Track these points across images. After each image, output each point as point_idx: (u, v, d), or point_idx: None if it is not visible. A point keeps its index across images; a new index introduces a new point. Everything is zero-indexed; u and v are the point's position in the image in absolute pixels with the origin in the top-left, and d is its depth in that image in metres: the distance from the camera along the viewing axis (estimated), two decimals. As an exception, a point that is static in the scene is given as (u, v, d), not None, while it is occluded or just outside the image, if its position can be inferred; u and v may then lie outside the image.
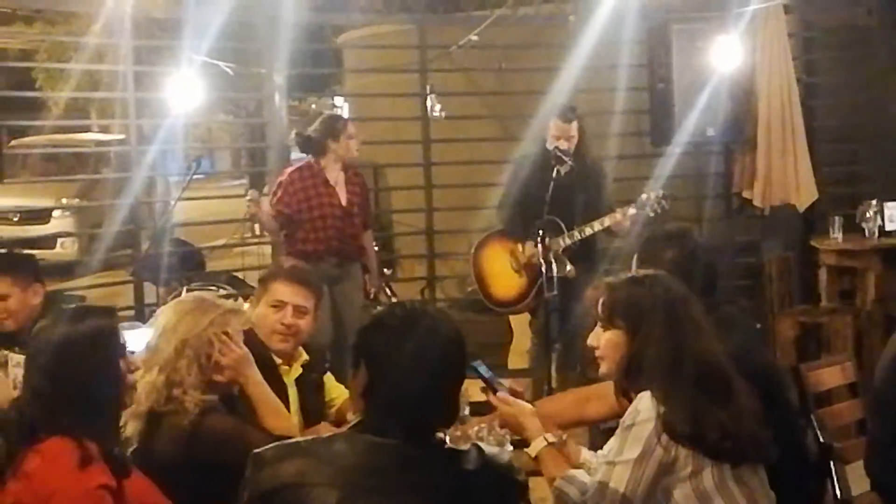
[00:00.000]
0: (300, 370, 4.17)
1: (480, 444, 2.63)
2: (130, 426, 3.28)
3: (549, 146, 6.37)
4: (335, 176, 6.66)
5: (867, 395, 4.33)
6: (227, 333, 3.47)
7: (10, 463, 2.89)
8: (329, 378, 4.38)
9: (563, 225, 6.30)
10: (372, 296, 7.03)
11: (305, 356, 4.19)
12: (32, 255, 5.40)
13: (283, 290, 4.13)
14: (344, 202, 6.63)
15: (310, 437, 2.66)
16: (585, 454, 3.31)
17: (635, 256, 3.79)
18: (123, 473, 2.91)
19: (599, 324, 3.18)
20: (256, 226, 6.69)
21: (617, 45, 7.98)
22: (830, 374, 4.51)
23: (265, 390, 3.60)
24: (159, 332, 3.42)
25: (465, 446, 2.59)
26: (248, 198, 6.65)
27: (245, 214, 6.60)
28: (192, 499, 3.04)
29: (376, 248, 9.31)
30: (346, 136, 6.66)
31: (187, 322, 3.42)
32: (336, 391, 4.34)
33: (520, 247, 6.59)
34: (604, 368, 3.19)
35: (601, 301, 3.18)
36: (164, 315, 3.49)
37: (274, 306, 4.10)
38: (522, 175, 6.56)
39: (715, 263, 3.91)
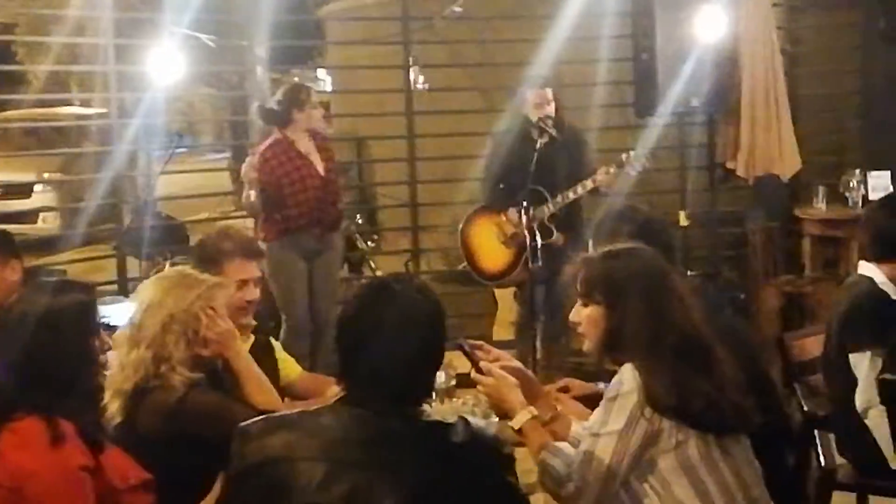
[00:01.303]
0: (252, 337, 4.12)
1: (467, 416, 2.63)
2: (113, 403, 3.25)
3: (533, 117, 6.35)
4: (306, 146, 6.59)
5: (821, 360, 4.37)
6: (212, 308, 3.45)
7: None
8: (276, 343, 4.36)
9: (546, 193, 6.30)
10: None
11: (252, 321, 4.14)
12: (8, 232, 5.36)
13: (245, 268, 4.05)
14: (322, 171, 6.59)
15: (296, 411, 2.65)
16: (575, 427, 3.30)
17: (590, 241, 3.78)
18: (99, 448, 2.90)
19: (579, 300, 3.17)
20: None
21: (600, 15, 7.96)
22: (814, 344, 4.52)
23: (251, 364, 3.58)
24: (144, 308, 3.38)
25: (451, 419, 2.58)
26: (245, 163, 6.55)
27: (244, 178, 6.50)
28: (176, 474, 3.02)
29: (359, 220, 9.35)
30: (311, 106, 6.60)
31: (174, 297, 3.38)
32: (281, 355, 4.30)
33: (504, 218, 6.58)
34: (587, 345, 3.18)
35: (579, 277, 3.17)
36: (148, 290, 3.44)
37: (237, 285, 3.99)
38: (503, 148, 6.55)
39: (670, 235, 3.92)
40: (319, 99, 6.81)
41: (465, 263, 6.93)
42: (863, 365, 4.07)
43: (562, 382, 3.95)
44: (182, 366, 3.32)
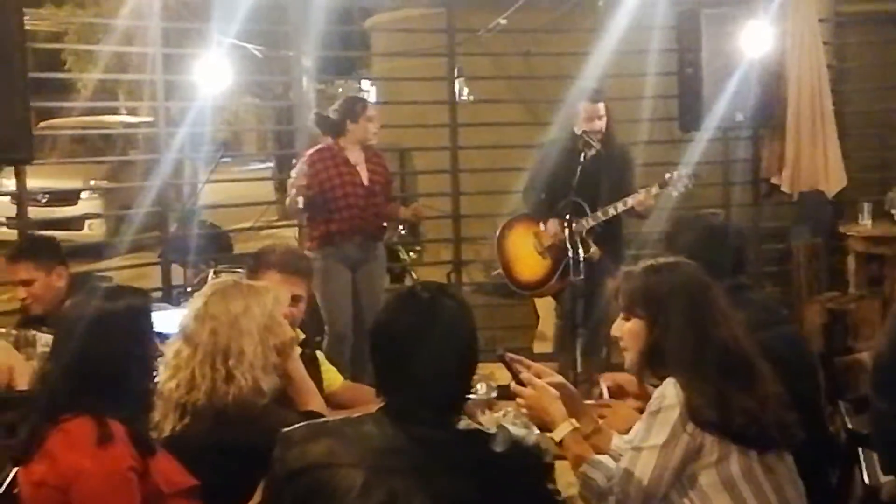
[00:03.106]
0: (299, 349, 4.12)
1: (506, 426, 2.63)
2: (171, 415, 3.22)
3: (578, 130, 6.35)
4: (355, 156, 6.65)
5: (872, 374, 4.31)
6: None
7: (33, 441, 2.90)
8: (320, 354, 4.35)
9: (587, 207, 6.29)
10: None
11: (301, 334, 4.14)
12: (54, 238, 5.42)
13: (279, 282, 4.01)
14: (366, 181, 6.63)
15: (339, 418, 2.66)
16: (616, 441, 3.30)
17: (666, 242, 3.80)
18: (149, 452, 2.92)
19: (621, 314, 3.17)
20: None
21: (646, 29, 7.95)
22: (859, 361, 4.48)
23: (303, 369, 3.61)
24: (230, 320, 3.29)
25: (491, 429, 2.59)
26: (296, 170, 6.56)
27: (291, 187, 6.53)
28: (225, 481, 3.03)
29: (402, 231, 9.36)
30: (365, 119, 6.64)
31: (260, 306, 3.35)
32: (325, 366, 4.30)
33: (543, 229, 6.58)
34: (628, 359, 3.18)
35: (620, 291, 3.17)
36: (224, 303, 3.34)
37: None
38: (549, 160, 6.56)
39: (742, 245, 3.92)
40: (375, 111, 6.82)
41: (499, 270, 6.95)
42: None
43: (607, 379, 3.90)
44: (263, 373, 3.28)
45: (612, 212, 6.35)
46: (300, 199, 6.40)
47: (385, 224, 6.97)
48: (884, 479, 4.10)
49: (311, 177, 6.48)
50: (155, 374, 3.17)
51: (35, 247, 5.08)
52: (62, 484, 2.81)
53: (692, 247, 3.62)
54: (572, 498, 3.10)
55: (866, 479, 3.94)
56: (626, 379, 3.73)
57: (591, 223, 6.34)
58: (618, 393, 3.74)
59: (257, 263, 4.11)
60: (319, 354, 4.34)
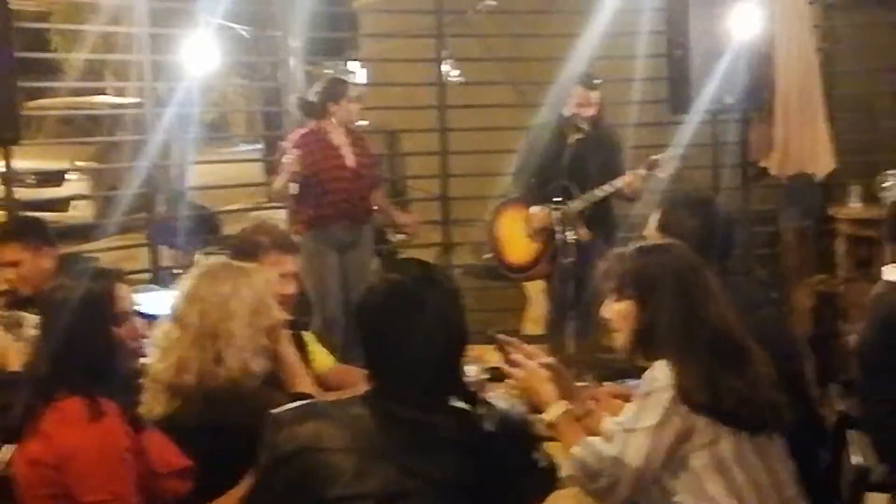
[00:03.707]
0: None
1: (492, 401, 2.61)
2: (161, 396, 3.20)
3: (567, 112, 6.34)
4: (339, 138, 6.64)
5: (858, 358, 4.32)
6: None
7: (27, 420, 2.91)
8: (307, 335, 4.34)
9: (576, 190, 6.28)
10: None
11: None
12: (41, 219, 5.40)
13: (282, 261, 4.02)
14: (352, 163, 6.61)
15: (327, 400, 2.66)
16: (607, 422, 3.30)
17: (655, 222, 3.78)
18: (139, 428, 2.95)
19: (611, 295, 3.17)
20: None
21: (635, 11, 7.92)
22: (848, 343, 4.49)
23: (294, 351, 3.60)
24: (220, 302, 3.27)
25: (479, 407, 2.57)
26: (287, 156, 6.52)
27: (288, 170, 6.49)
28: (216, 462, 3.02)
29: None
30: (346, 100, 6.63)
31: (250, 287, 3.33)
32: (314, 346, 4.29)
33: (532, 212, 6.58)
34: (618, 341, 3.18)
35: (611, 272, 3.16)
36: (213, 284, 3.32)
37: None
38: (539, 142, 6.55)
39: (733, 231, 3.92)
40: (357, 93, 6.80)
41: (490, 254, 6.95)
42: None
43: (589, 392, 3.87)
44: (252, 355, 3.26)
45: (599, 194, 6.34)
46: (292, 185, 6.39)
47: (374, 207, 6.95)
48: (873, 461, 4.12)
49: (299, 158, 6.46)
50: (138, 355, 3.16)
51: (23, 228, 5.06)
52: (57, 462, 2.83)
53: (689, 227, 3.63)
54: (564, 479, 3.10)
55: (856, 461, 3.95)
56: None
57: (580, 205, 6.34)
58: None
59: (253, 248, 4.03)
60: (306, 335, 4.32)
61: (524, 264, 6.76)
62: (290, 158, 6.42)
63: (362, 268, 6.67)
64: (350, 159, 6.62)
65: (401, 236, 9.01)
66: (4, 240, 4.87)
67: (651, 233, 3.78)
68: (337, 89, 6.65)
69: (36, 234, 4.92)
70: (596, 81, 6.50)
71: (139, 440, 2.92)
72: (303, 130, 6.70)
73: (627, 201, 6.51)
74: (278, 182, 6.51)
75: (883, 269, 4.21)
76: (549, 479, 2.65)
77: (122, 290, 3.14)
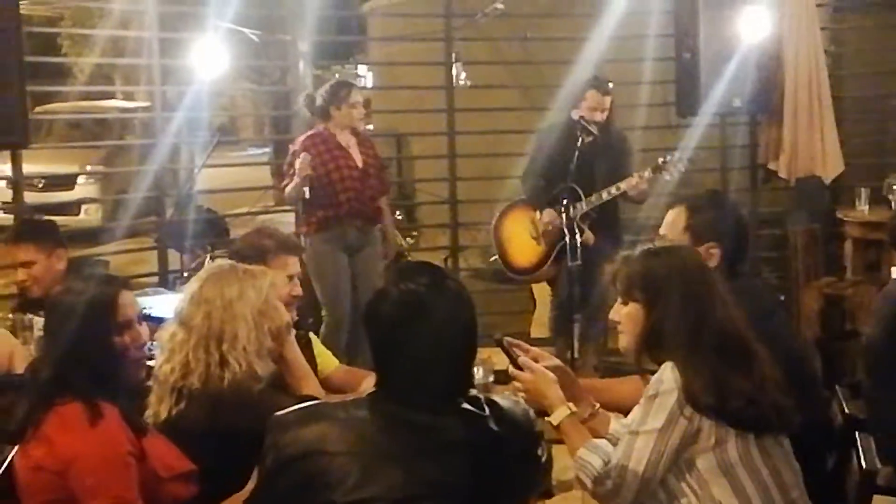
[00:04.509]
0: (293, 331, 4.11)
1: (496, 399, 2.61)
2: (167, 399, 3.20)
3: (576, 115, 6.34)
4: (346, 140, 6.64)
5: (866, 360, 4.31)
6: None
7: (28, 424, 2.91)
8: (314, 336, 4.34)
9: (581, 192, 6.29)
10: (389, 260, 6.98)
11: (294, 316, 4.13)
12: (54, 222, 5.43)
13: (288, 263, 4.05)
14: (360, 164, 6.62)
15: (333, 402, 2.65)
16: (614, 424, 3.30)
17: (682, 222, 3.76)
18: (142, 432, 2.95)
19: (619, 298, 3.17)
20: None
21: (643, 14, 7.93)
22: (856, 346, 4.49)
23: (300, 354, 3.61)
24: (225, 304, 3.27)
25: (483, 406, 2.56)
26: (301, 159, 6.51)
27: (300, 174, 6.50)
28: (221, 466, 3.03)
29: (399, 216, 9.33)
30: (348, 105, 6.61)
31: (256, 289, 3.33)
32: (318, 348, 4.29)
33: (537, 214, 6.58)
34: (623, 342, 3.18)
35: (619, 275, 3.17)
36: (218, 286, 3.32)
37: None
38: (547, 145, 6.55)
39: (748, 233, 3.94)
40: (362, 97, 6.80)
41: (495, 256, 6.96)
42: None
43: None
44: (258, 358, 3.26)
45: (604, 196, 6.35)
46: (306, 190, 6.38)
47: (380, 208, 6.95)
48: (880, 464, 4.11)
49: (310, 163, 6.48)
50: (144, 360, 3.17)
51: (36, 229, 5.11)
52: (60, 467, 2.82)
53: (723, 228, 3.64)
54: (569, 482, 3.10)
55: (863, 464, 3.95)
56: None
57: (585, 208, 6.34)
58: None
59: (259, 252, 4.03)
60: (313, 337, 4.33)
61: (529, 267, 6.77)
62: (301, 162, 6.41)
63: (371, 270, 6.66)
64: (358, 159, 6.63)
65: (408, 240, 9.03)
66: (18, 241, 4.91)
67: (675, 233, 3.77)
68: (340, 93, 6.65)
69: (49, 236, 4.97)
70: (608, 86, 6.51)
71: (141, 444, 2.92)
72: (310, 132, 6.71)
73: (635, 203, 6.52)
74: (291, 186, 6.50)
75: (893, 269, 4.20)
76: (546, 469, 2.66)
77: (126, 297, 3.14)
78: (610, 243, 6.16)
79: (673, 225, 3.82)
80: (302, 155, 6.46)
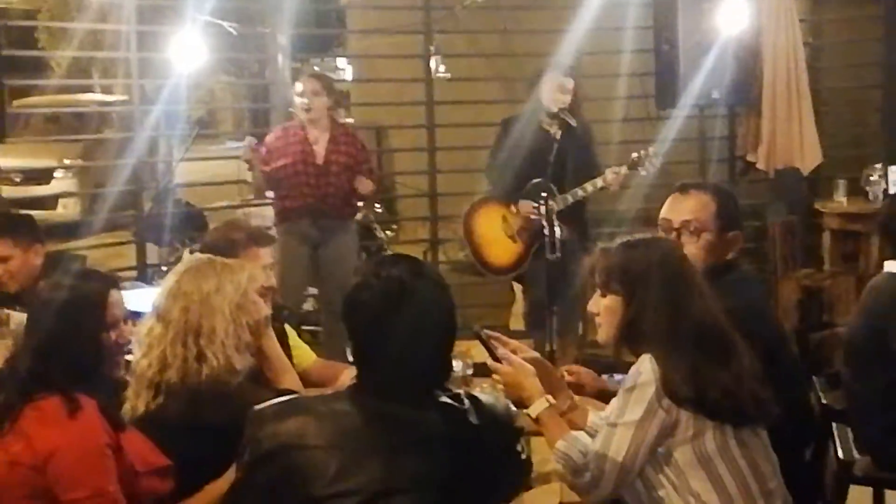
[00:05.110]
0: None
1: (476, 394, 2.61)
2: (144, 394, 3.18)
3: (554, 107, 6.27)
4: (316, 136, 6.59)
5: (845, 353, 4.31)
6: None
7: (5, 418, 2.90)
8: (289, 329, 4.32)
9: (554, 187, 6.21)
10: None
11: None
12: (31, 216, 5.40)
13: (260, 255, 4.02)
14: (320, 160, 6.56)
15: (311, 396, 2.65)
16: (592, 417, 3.30)
17: (712, 210, 3.74)
18: (120, 427, 2.94)
19: (598, 290, 3.17)
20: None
21: (622, 6, 7.94)
22: (834, 337, 4.51)
23: (278, 347, 3.60)
24: (203, 298, 3.25)
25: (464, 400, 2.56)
26: (244, 143, 6.53)
27: (242, 158, 6.51)
28: (199, 460, 3.02)
29: (378, 209, 9.32)
30: (296, 93, 6.61)
31: (233, 283, 3.31)
32: (294, 340, 4.28)
33: (512, 210, 6.52)
34: (602, 334, 3.17)
35: (597, 267, 3.17)
36: (196, 280, 3.30)
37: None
38: (514, 136, 6.47)
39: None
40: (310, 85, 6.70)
41: (467, 252, 6.84)
42: None
43: (571, 370, 3.77)
44: (236, 352, 3.24)
45: (581, 193, 6.24)
46: (265, 181, 6.46)
47: (358, 203, 6.91)
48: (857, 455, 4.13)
49: (270, 153, 6.52)
50: (125, 356, 3.16)
51: (13, 224, 5.05)
52: (38, 462, 2.81)
53: (738, 215, 3.70)
54: (548, 474, 3.11)
55: (840, 454, 3.97)
56: (589, 378, 3.72)
57: (571, 200, 6.26)
58: (577, 390, 3.64)
59: (231, 246, 3.99)
60: (289, 330, 4.32)
61: (508, 266, 6.62)
62: (244, 146, 6.46)
63: (339, 264, 6.51)
64: (319, 155, 6.56)
65: (388, 233, 9.01)
66: (-5, 235, 4.87)
67: (704, 219, 3.70)
68: (298, 83, 6.66)
69: (27, 231, 4.92)
70: (570, 69, 6.44)
71: (118, 439, 2.91)
72: (283, 125, 6.73)
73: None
74: (252, 178, 6.56)
75: (886, 263, 4.17)
76: (527, 469, 2.66)
77: (116, 296, 3.15)
78: (580, 236, 6.16)
79: (703, 210, 3.72)
80: (247, 139, 6.48)
